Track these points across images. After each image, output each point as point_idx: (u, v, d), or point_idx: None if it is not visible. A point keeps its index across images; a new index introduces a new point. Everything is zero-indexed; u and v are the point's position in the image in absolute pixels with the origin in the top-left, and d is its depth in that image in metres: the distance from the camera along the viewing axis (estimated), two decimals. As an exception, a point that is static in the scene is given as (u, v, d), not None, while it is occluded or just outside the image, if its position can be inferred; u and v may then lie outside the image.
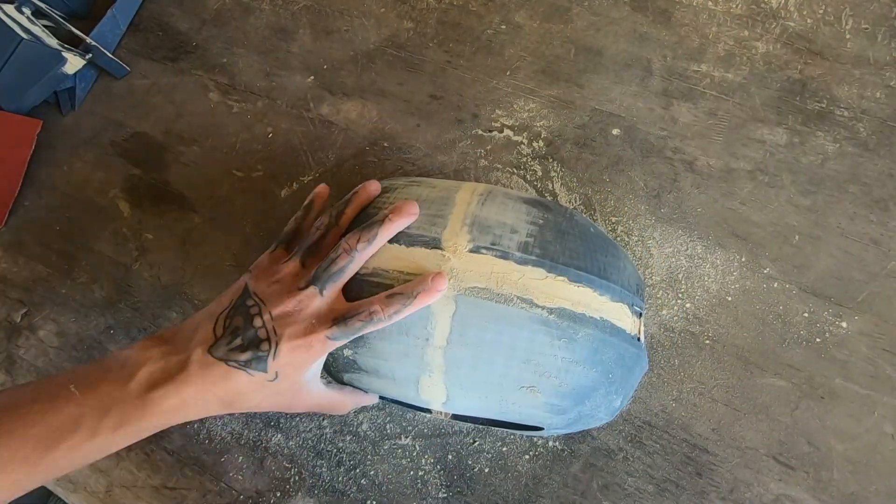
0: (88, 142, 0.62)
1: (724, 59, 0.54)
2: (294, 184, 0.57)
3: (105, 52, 0.62)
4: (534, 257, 0.37)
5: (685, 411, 0.45)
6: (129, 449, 0.50)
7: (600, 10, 0.58)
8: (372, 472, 0.47)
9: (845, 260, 0.47)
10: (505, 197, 0.41)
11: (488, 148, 0.55)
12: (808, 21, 0.54)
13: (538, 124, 0.55)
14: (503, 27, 0.59)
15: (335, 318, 0.37)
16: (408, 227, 0.38)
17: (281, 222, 0.55)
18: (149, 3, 0.67)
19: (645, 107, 0.54)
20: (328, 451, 0.48)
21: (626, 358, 0.38)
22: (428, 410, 0.44)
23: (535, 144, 0.54)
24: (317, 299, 0.37)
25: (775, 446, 0.44)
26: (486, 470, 0.46)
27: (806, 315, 0.46)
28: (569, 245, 0.38)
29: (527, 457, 0.46)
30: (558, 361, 0.36)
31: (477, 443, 0.47)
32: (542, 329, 0.36)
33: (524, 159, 0.54)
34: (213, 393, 0.36)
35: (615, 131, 0.54)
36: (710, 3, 0.56)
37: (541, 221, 0.39)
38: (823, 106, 0.52)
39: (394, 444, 0.47)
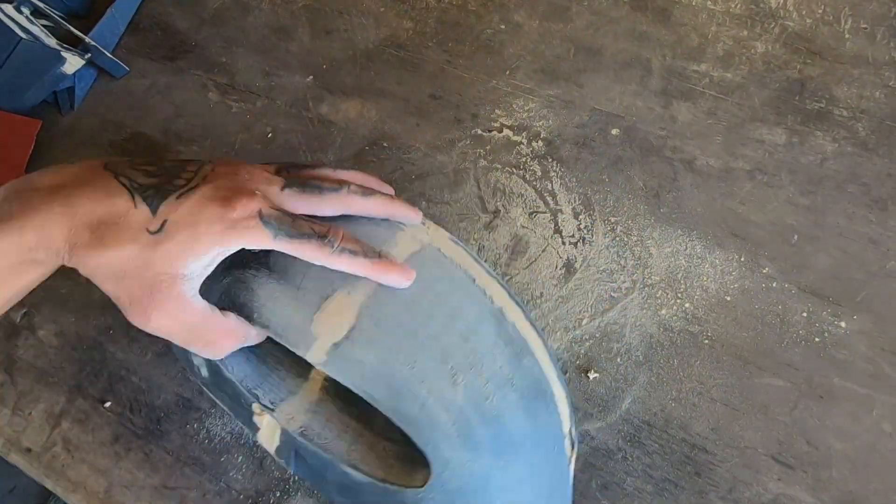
0: (87, 141, 0.62)
1: (723, 59, 0.54)
2: (293, 184, 0.57)
3: (104, 51, 0.62)
4: (504, 288, 0.34)
5: (684, 411, 0.45)
6: (128, 448, 0.50)
7: (600, 9, 0.58)
8: (371, 472, 0.47)
9: (844, 260, 0.47)
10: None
11: (488, 148, 0.55)
12: (807, 21, 0.54)
13: (537, 124, 0.55)
14: (502, 27, 0.59)
15: (285, 187, 0.28)
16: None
17: (280, 222, 0.55)
18: (148, 3, 0.67)
19: (644, 106, 0.54)
20: (328, 450, 0.48)
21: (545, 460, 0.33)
22: (305, 364, 0.35)
23: (534, 144, 0.55)
24: (274, 187, 0.29)
25: (774, 446, 0.44)
26: (486, 469, 0.46)
27: (805, 315, 0.47)
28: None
29: (526, 456, 0.46)
30: (496, 366, 0.30)
31: (476, 442, 0.47)
32: (491, 319, 0.31)
33: (523, 159, 0.54)
34: (69, 205, 0.26)
35: (614, 131, 0.54)
36: (709, 2, 0.56)
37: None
38: (822, 106, 0.52)
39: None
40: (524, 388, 0.31)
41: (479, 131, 0.56)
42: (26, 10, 0.62)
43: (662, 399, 0.46)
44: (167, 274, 0.26)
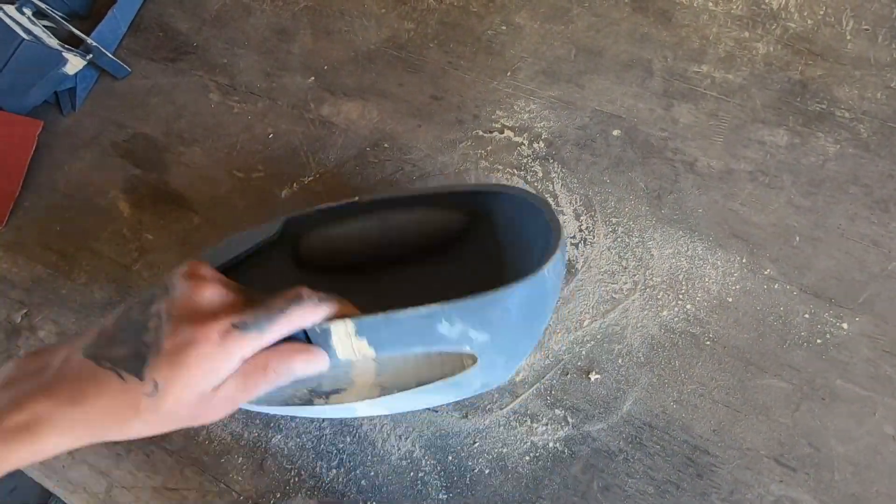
0: (89, 142, 0.62)
1: (724, 60, 0.54)
2: (294, 185, 0.57)
3: (105, 52, 0.62)
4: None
5: (686, 412, 0.45)
6: (129, 449, 0.50)
7: (601, 10, 0.58)
8: (372, 473, 0.47)
9: (846, 261, 0.47)
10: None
11: (489, 149, 0.55)
12: (809, 22, 0.54)
13: (539, 125, 0.55)
14: (504, 28, 0.59)
15: (248, 311, 0.29)
16: None
17: (281, 223, 0.55)
18: (149, 4, 0.67)
19: (646, 108, 0.54)
20: (328, 451, 0.48)
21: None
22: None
23: (535, 145, 0.54)
24: (237, 309, 0.30)
25: (776, 447, 0.44)
26: (487, 471, 0.46)
27: (807, 316, 0.46)
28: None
29: (527, 458, 0.46)
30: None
31: (477, 444, 0.47)
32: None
33: (525, 160, 0.54)
34: (78, 406, 0.27)
35: (616, 132, 0.54)
36: (710, 4, 0.56)
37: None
38: (824, 107, 0.52)
39: (394, 446, 0.47)
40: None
41: (481, 132, 0.56)
42: (28, 11, 0.62)
43: (664, 400, 0.46)
44: (193, 406, 0.29)
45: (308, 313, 0.30)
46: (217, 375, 0.29)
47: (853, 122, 0.51)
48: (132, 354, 0.28)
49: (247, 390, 0.30)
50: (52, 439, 0.27)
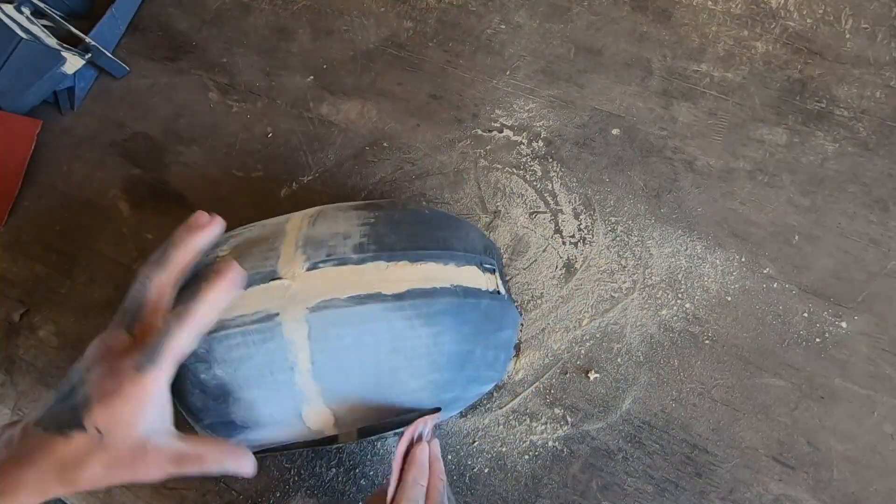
0: (88, 142, 0.62)
1: (723, 59, 0.54)
2: (294, 184, 0.57)
3: (104, 51, 0.62)
4: (371, 253, 0.37)
5: (685, 411, 0.45)
6: (128, 449, 0.50)
7: (600, 9, 0.58)
8: (371, 473, 0.47)
9: (845, 260, 0.47)
10: (336, 210, 0.41)
11: (488, 148, 0.55)
12: (808, 21, 0.54)
13: (538, 124, 0.55)
14: (503, 27, 0.59)
15: (138, 348, 0.33)
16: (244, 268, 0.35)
17: (280, 222, 0.55)
18: (148, 3, 0.67)
19: (645, 106, 0.54)
20: (328, 451, 0.48)
21: (491, 313, 0.39)
22: (330, 441, 0.44)
23: (534, 144, 0.54)
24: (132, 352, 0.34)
25: (775, 446, 0.44)
26: (486, 470, 0.46)
27: (805, 315, 0.46)
28: (404, 231, 0.39)
29: (526, 457, 0.46)
30: (423, 339, 0.36)
31: (476, 443, 0.47)
32: (397, 315, 0.36)
33: (524, 159, 0.54)
34: (38, 467, 0.32)
35: (615, 131, 0.54)
36: (709, 2, 0.56)
37: (372, 220, 0.39)
38: (823, 106, 0.52)
39: (392, 445, 0.47)
40: (448, 326, 0.37)
41: (480, 131, 0.56)
42: (27, 10, 0.62)
43: (663, 399, 0.46)
44: (135, 449, 0.32)
45: (186, 331, 0.33)
46: (147, 408, 0.33)
47: (852, 120, 0.51)
48: (69, 416, 0.32)
49: (180, 468, 0.34)
50: (21, 498, 0.31)
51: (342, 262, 0.37)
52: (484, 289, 0.40)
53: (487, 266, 0.41)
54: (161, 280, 0.34)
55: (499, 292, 0.41)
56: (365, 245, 0.38)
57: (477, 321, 0.38)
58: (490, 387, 0.44)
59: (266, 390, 0.36)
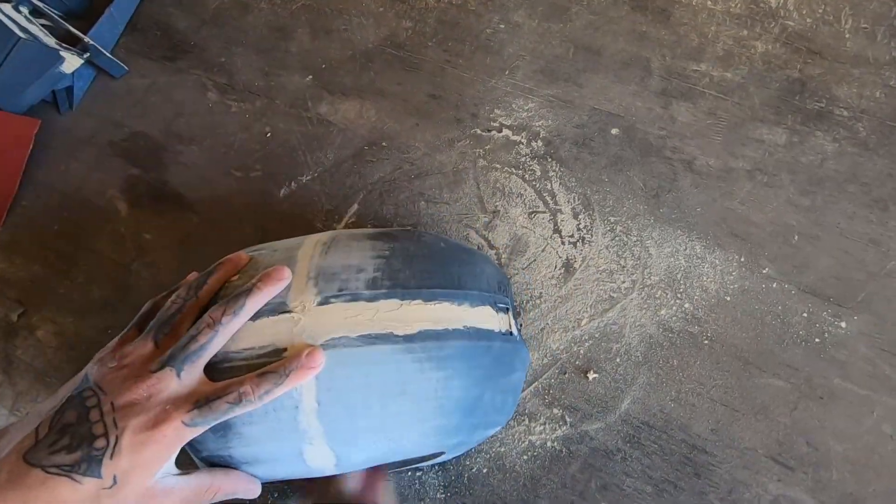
0: (86, 141, 0.62)
1: (723, 59, 0.54)
2: (292, 183, 0.56)
3: (103, 51, 0.62)
4: (384, 290, 0.36)
5: (683, 412, 0.45)
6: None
7: (599, 9, 0.58)
8: (370, 473, 0.47)
9: (844, 260, 0.47)
10: (349, 239, 0.40)
11: (487, 147, 0.55)
12: (808, 20, 0.54)
13: (537, 124, 0.55)
14: (502, 26, 0.59)
15: (196, 401, 0.31)
16: None
17: (280, 222, 0.55)
18: (147, 3, 0.67)
19: (644, 106, 0.54)
20: (326, 451, 0.48)
21: (502, 356, 0.38)
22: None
23: (533, 144, 0.54)
24: (173, 382, 0.32)
25: (774, 447, 0.44)
26: (485, 470, 0.46)
27: (805, 315, 0.46)
28: (418, 267, 0.38)
29: (525, 457, 0.46)
30: (433, 383, 0.35)
31: (475, 443, 0.47)
32: (407, 358, 0.35)
33: (523, 159, 0.54)
34: None
35: (614, 131, 0.54)
36: (709, 2, 0.56)
37: (387, 252, 0.38)
38: (823, 105, 0.52)
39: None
40: (458, 370, 0.36)
41: (479, 131, 0.56)
42: (25, 10, 0.62)
43: (662, 399, 0.46)
44: (144, 494, 0.31)
45: (245, 405, 0.32)
46: (172, 453, 0.32)
47: (852, 120, 0.51)
48: (84, 459, 0.29)
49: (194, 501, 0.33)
50: None
51: (354, 297, 0.36)
52: (496, 330, 0.39)
53: (501, 306, 0.40)
54: (229, 328, 0.34)
55: (511, 332, 0.40)
56: (378, 280, 0.37)
57: (488, 365, 0.37)
58: (496, 430, 0.43)
59: (268, 427, 0.35)
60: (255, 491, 0.36)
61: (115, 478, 0.30)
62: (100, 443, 0.30)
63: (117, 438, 0.30)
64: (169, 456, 0.31)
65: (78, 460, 0.29)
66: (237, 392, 0.32)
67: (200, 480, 0.34)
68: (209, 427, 0.33)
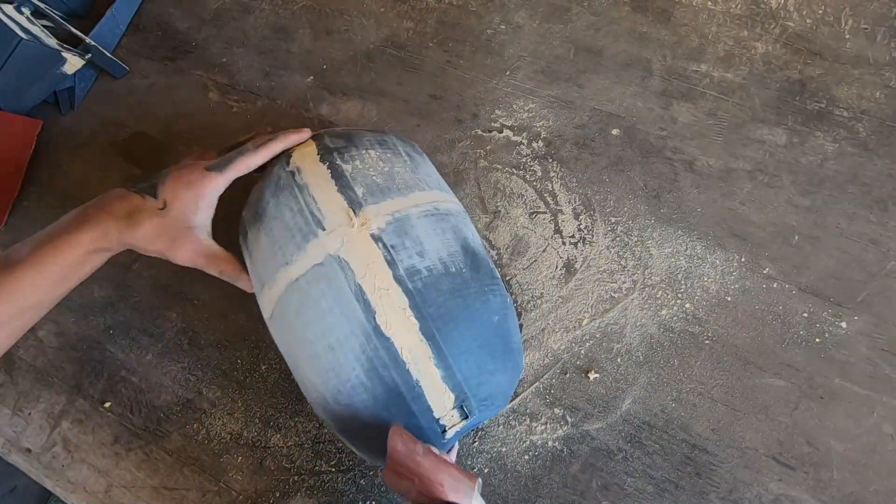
0: (88, 141, 0.62)
1: (723, 60, 0.54)
2: (294, 184, 0.57)
3: (104, 51, 0.62)
4: (407, 295, 0.37)
5: (684, 411, 0.45)
6: (128, 449, 0.50)
7: (600, 10, 0.58)
8: (370, 473, 0.47)
9: (845, 260, 0.47)
10: (450, 228, 0.41)
11: (488, 148, 0.55)
12: (808, 21, 0.54)
13: (538, 124, 0.55)
14: (503, 27, 0.59)
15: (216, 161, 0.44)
16: (360, 175, 0.41)
17: (280, 222, 0.55)
18: (148, 3, 0.67)
19: (644, 107, 0.54)
20: (327, 451, 0.48)
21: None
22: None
23: (534, 144, 0.54)
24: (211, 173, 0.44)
25: (775, 446, 0.44)
26: (486, 470, 0.46)
27: (805, 315, 0.46)
28: (447, 316, 0.38)
29: (526, 457, 0.46)
30: (352, 374, 0.38)
31: (476, 443, 0.47)
32: (361, 338, 0.37)
33: (524, 159, 0.54)
34: (109, 211, 0.42)
35: (615, 131, 0.54)
36: (709, 3, 0.56)
37: (453, 269, 0.39)
38: (823, 106, 0.52)
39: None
40: (379, 393, 0.37)
41: (480, 131, 0.56)
42: (27, 11, 0.62)
43: (663, 399, 0.46)
44: (181, 228, 0.43)
45: (251, 158, 0.44)
46: (202, 201, 0.43)
47: (852, 121, 0.51)
48: (150, 186, 0.44)
49: (204, 263, 0.44)
50: (83, 228, 0.41)
51: (391, 263, 0.39)
52: (434, 413, 0.39)
53: (462, 411, 0.40)
54: (260, 152, 0.45)
55: (444, 431, 0.40)
56: (417, 282, 0.38)
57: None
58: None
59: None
60: (249, 287, 0.44)
61: (164, 202, 0.43)
62: (156, 177, 0.44)
63: (166, 175, 0.44)
64: (199, 196, 0.43)
65: (146, 187, 0.43)
66: (242, 148, 0.45)
67: (218, 251, 0.44)
68: (229, 176, 0.44)
